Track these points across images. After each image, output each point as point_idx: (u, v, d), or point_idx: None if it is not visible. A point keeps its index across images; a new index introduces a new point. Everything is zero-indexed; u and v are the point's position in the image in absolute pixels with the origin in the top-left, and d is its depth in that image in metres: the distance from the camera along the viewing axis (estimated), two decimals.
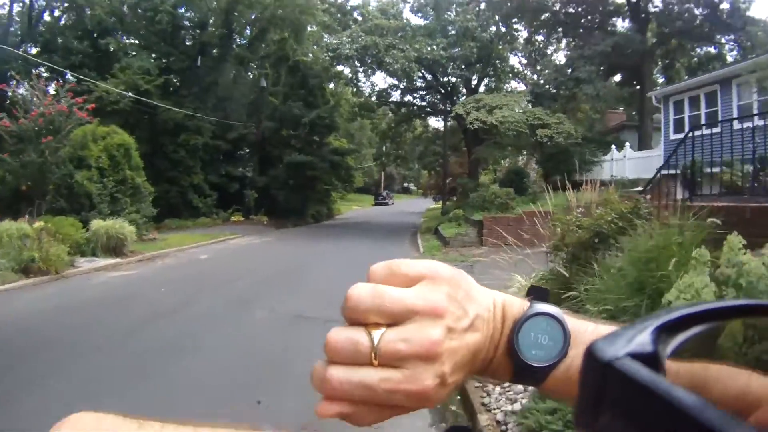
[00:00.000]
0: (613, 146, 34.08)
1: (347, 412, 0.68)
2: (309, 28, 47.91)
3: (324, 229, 41.52)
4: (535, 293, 0.83)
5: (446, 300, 0.70)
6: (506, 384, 6.76)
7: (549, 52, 47.05)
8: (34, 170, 24.32)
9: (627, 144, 33.21)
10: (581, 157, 33.02)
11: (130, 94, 34.73)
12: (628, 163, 31.87)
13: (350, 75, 48.73)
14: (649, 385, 0.41)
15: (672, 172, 26.63)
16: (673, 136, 27.79)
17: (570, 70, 36.37)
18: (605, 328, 0.78)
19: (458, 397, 7.14)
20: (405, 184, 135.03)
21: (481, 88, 45.78)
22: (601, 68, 36.51)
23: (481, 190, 33.19)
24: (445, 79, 46.66)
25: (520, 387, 6.67)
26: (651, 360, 0.45)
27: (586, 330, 0.78)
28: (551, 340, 0.76)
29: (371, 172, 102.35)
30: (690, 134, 14.07)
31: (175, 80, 41.90)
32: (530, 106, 36.46)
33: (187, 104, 39.03)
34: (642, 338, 0.48)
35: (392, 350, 0.66)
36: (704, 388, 0.59)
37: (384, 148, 65.65)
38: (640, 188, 28.27)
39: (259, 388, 7.59)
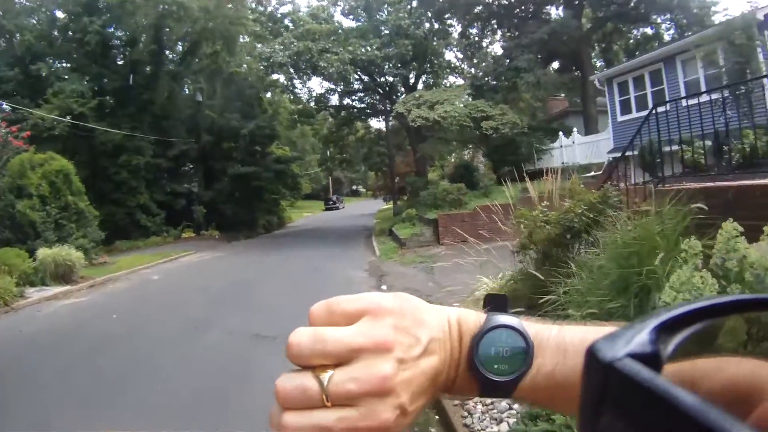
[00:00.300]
0: (560, 133, 34.02)
1: None
2: (241, 39, 46.94)
3: (276, 239, 41.22)
4: (492, 303, 0.82)
5: (392, 332, 0.69)
6: (488, 401, 6.61)
7: (485, 44, 47.04)
8: None
9: (575, 129, 33.24)
10: (529, 147, 33.02)
11: (66, 119, 34.09)
12: (578, 148, 31.88)
13: (285, 82, 48.66)
14: (649, 385, 0.41)
15: (621, 154, 26.88)
16: (621, 118, 28.02)
17: (508, 61, 36.36)
18: (569, 330, 0.78)
19: (437, 418, 6.95)
20: (354, 187, 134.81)
21: (420, 86, 45.86)
22: (539, 56, 36.65)
23: (432, 187, 32.93)
24: (383, 79, 46.59)
25: (504, 404, 6.56)
26: (651, 360, 0.45)
27: (549, 336, 0.77)
28: (513, 352, 0.75)
29: (318, 177, 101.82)
30: (654, 111, 13.88)
31: (110, 101, 40.73)
32: (471, 99, 36.28)
33: (124, 124, 38.38)
34: (642, 338, 0.48)
35: (343, 391, 0.65)
36: (692, 385, 0.55)
37: (328, 153, 65.50)
38: (592, 173, 28.36)
39: (219, 416, 7.43)
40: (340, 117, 53.19)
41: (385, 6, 43.96)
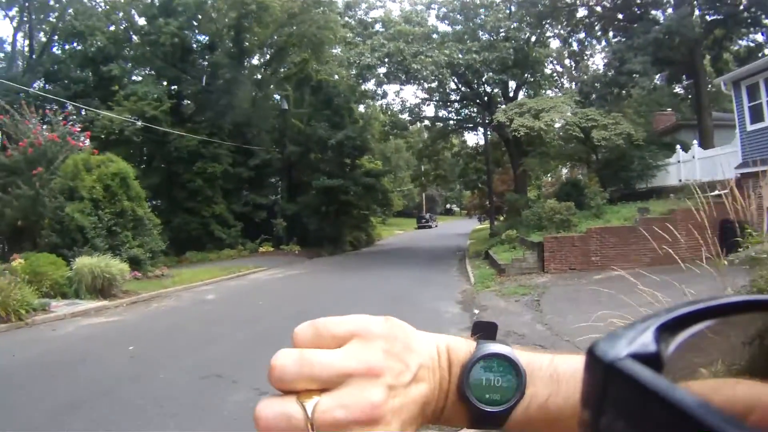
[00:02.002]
0: (678, 146, 30.12)
1: None
2: (333, 50, 44.56)
3: (361, 257, 38.82)
4: (481, 330, 0.80)
5: (382, 356, 0.66)
6: None
7: (588, 53, 43.64)
8: (27, 204, 22.45)
9: (695, 142, 29.13)
10: (643, 162, 29.24)
11: (137, 121, 32.11)
12: (699, 163, 27.85)
13: (375, 88, 45.69)
14: (651, 386, 0.41)
15: (753, 170, 23.08)
16: (750, 127, 23.96)
17: (619, 64, 32.62)
18: (561, 360, 0.75)
19: None
20: (447, 206, 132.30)
21: (520, 96, 42.06)
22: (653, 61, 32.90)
23: (535, 206, 29.26)
24: (481, 88, 43.65)
25: None
26: (652, 360, 0.46)
27: (541, 366, 0.75)
28: (505, 382, 0.73)
29: (412, 195, 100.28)
30: None
31: (186, 105, 39.67)
32: (579, 108, 32.42)
33: (201, 131, 36.74)
34: (643, 338, 0.48)
35: (330, 419, 0.62)
36: None
37: (422, 168, 62.74)
38: (716, 191, 24.71)
39: None
40: (436, 129, 50.66)
41: (482, 10, 40.56)
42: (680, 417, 0.37)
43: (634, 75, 31.64)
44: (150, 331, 14.67)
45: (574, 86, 41.37)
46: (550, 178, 57.25)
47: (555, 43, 43.69)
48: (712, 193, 22.40)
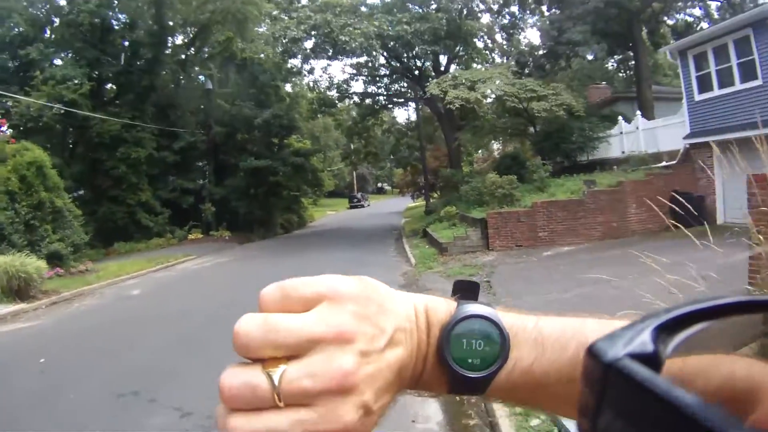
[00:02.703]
0: (620, 118, 29.33)
1: None
2: (258, 28, 43.36)
3: (294, 240, 37.81)
4: (461, 290, 0.78)
5: (354, 320, 0.63)
6: None
7: (522, 25, 42.73)
8: None
9: (638, 113, 28.39)
10: (584, 134, 28.39)
11: (54, 106, 30.16)
12: (643, 134, 27.13)
13: (301, 64, 43.70)
14: (649, 385, 0.41)
15: (701, 140, 22.41)
16: (699, 97, 23.18)
17: (557, 34, 31.71)
18: (546, 322, 0.73)
19: None
20: (379, 184, 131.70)
21: (452, 70, 40.72)
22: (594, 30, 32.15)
23: (474, 180, 28.26)
24: (412, 62, 42.39)
25: None
26: (651, 360, 0.46)
27: (525, 328, 0.73)
28: (487, 345, 0.71)
29: (342, 174, 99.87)
30: None
31: (108, 89, 38.17)
32: (515, 79, 31.31)
33: (124, 114, 35.04)
34: (642, 338, 0.48)
35: (298, 389, 0.59)
36: (687, 384, 0.50)
37: (352, 147, 61.52)
38: (663, 163, 24.12)
39: None
40: (365, 106, 49.11)
41: None
42: (679, 416, 0.38)
43: (575, 45, 30.86)
44: (66, 336, 13.22)
45: (505, 60, 40.25)
46: (481, 154, 56.63)
47: (486, 18, 42.50)
48: (660, 164, 21.97)
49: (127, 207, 34.69)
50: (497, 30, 42.94)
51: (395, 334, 0.65)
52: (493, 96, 30.05)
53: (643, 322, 0.49)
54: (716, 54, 22.71)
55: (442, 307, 0.72)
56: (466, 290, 0.77)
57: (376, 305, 0.65)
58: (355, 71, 45.24)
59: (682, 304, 0.51)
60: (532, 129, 32.22)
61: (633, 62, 37.14)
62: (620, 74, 48.56)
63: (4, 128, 25.77)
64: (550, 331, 0.71)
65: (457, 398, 7.30)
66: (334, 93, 47.37)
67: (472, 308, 0.70)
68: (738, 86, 21.49)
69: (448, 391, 0.71)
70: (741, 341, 0.60)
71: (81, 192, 34.31)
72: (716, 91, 22.46)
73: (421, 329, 0.69)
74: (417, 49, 38.37)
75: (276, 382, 0.57)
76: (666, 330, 0.49)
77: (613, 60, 43.29)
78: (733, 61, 22.03)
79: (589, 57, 34.12)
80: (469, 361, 0.68)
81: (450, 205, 29.18)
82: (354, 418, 0.59)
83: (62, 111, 30.92)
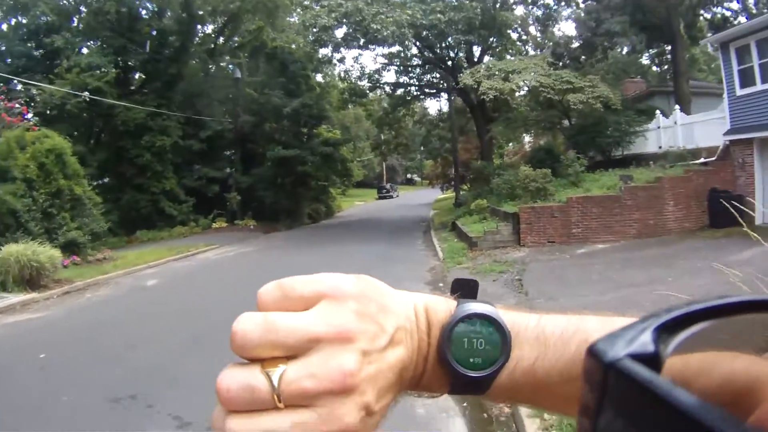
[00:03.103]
0: (658, 112, 28.38)
1: None
2: (289, 18, 43.12)
3: (321, 231, 37.32)
4: (462, 288, 0.77)
5: (354, 319, 0.62)
6: None
7: (556, 16, 41.76)
8: None
9: (677, 107, 27.39)
10: (620, 128, 27.44)
11: (80, 94, 30.01)
12: (681, 129, 26.18)
13: (332, 53, 42.84)
14: (650, 386, 0.41)
15: (742, 137, 21.52)
16: (740, 91, 22.18)
17: (595, 25, 30.80)
18: (548, 320, 0.72)
19: None
20: (408, 175, 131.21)
21: (485, 61, 39.83)
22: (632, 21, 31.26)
23: (507, 173, 27.36)
24: (445, 52, 41.44)
25: None
26: (652, 360, 0.46)
27: (527, 327, 0.72)
28: (488, 344, 0.69)
29: (372, 165, 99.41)
30: None
31: (133, 77, 38.11)
32: (552, 70, 30.39)
33: (149, 102, 34.62)
34: (643, 338, 0.48)
35: (298, 390, 0.58)
36: (688, 383, 0.53)
37: (382, 137, 60.88)
38: (702, 159, 23.47)
39: None
40: (397, 96, 48.25)
41: None
42: (679, 417, 0.38)
43: (613, 36, 29.98)
44: (72, 330, 12.60)
45: (540, 53, 39.34)
46: (512, 147, 55.87)
47: (520, 10, 41.59)
48: (698, 161, 21.12)
49: (151, 195, 34.40)
50: (531, 22, 42.07)
51: (396, 333, 0.64)
52: (528, 87, 29.12)
53: (643, 322, 0.49)
54: (760, 47, 21.77)
55: (442, 306, 0.70)
56: (465, 289, 0.76)
57: (377, 304, 0.64)
58: (386, 61, 44.52)
59: (682, 303, 0.51)
60: (566, 122, 31.38)
61: (669, 56, 36.32)
62: (654, 69, 47.77)
63: (28, 116, 25.36)
64: (551, 329, 0.70)
65: (485, 415, 7.23)
66: (365, 83, 46.66)
67: (473, 307, 0.69)
68: None
69: (449, 391, 0.70)
70: (752, 342, 0.59)
71: (105, 180, 34.41)
72: (759, 86, 21.43)
73: (421, 329, 0.68)
74: (450, 39, 37.56)
75: (275, 383, 0.56)
76: (667, 330, 0.49)
77: (648, 54, 42.41)
78: None
79: (626, 50, 33.21)
80: (471, 360, 0.67)
81: (481, 198, 28.42)
82: (355, 419, 0.59)
83: (86, 99, 30.48)
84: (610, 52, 33.74)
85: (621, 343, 0.46)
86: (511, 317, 0.70)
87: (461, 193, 41.78)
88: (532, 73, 27.65)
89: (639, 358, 0.45)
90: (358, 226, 38.80)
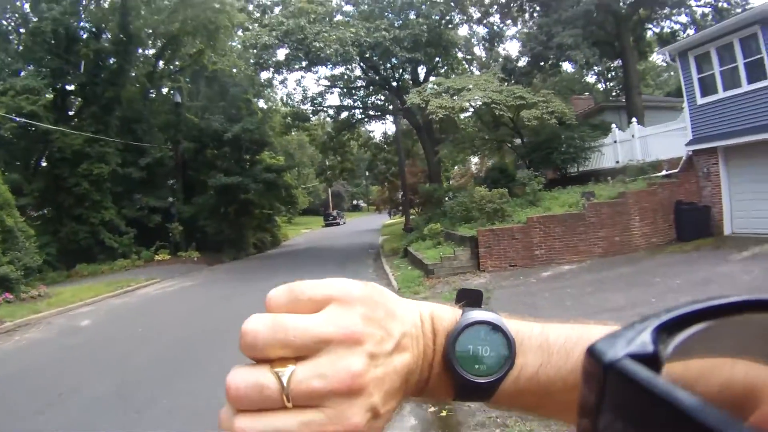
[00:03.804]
0: (614, 126, 27.72)
1: None
2: (230, 42, 42.24)
3: (266, 261, 36.13)
4: (465, 298, 0.78)
5: (362, 322, 0.64)
6: None
7: (503, 37, 41.54)
8: None
9: (634, 120, 26.61)
10: (574, 144, 26.65)
11: (12, 117, 28.85)
12: (640, 143, 25.46)
13: (273, 75, 42.23)
14: (649, 386, 0.42)
15: (705, 146, 20.94)
16: (701, 100, 21.63)
17: (546, 39, 30.21)
18: (551, 329, 0.74)
19: None
20: (354, 202, 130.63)
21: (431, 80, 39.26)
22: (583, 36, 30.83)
23: (461, 195, 26.41)
24: (389, 72, 40.79)
25: None
26: (651, 361, 0.46)
27: (531, 334, 0.74)
28: (493, 351, 0.72)
29: (317, 191, 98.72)
30: None
31: (71, 101, 36.64)
32: (503, 86, 29.57)
33: (87, 128, 33.26)
34: (642, 339, 0.48)
35: (306, 390, 0.59)
36: (686, 389, 0.50)
37: (327, 163, 60.13)
38: (663, 172, 22.65)
39: None
40: (341, 120, 47.52)
41: None
42: (679, 417, 0.38)
43: (566, 50, 29.39)
44: None
45: (484, 72, 38.79)
46: (458, 169, 55.35)
47: (465, 30, 41.33)
48: (660, 173, 20.38)
49: (91, 226, 32.97)
50: (475, 42, 42.01)
51: (402, 339, 0.65)
52: (478, 104, 28.21)
53: (643, 323, 0.50)
54: (720, 54, 21.29)
55: (448, 314, 0.72)
56: (469, 299, 0.77)
57: (384, 310, 0.65)
58: (330, 83, 43.87)
59: (682, 304, 0.52)
60: (517, 140, 30.48)
61: (621, 70, 36.15)
62: (600, 86, 47.90)
63: None
64: (555, 337, 0.72)
65: None
66: (308, 107, 45.96)
67: (478, 315, 0.71)
68: (745, 87, 20.01)
69: (453, 397, 0.72)
70: (751, 342, 0.59)
71: (44, 211, 33.58)
72: (721, 94, 20.95)
73: (427, 336, 0.70)
74: (395, 58, 36.95)
75: (285, 383, 0.58)
76: (666, 330, 0.49)
77: (594, 71, 42.36)
78: (740, 61, 20.59)
79: (576, 65, 32.93)
80: (476, 366, 0.69)
81: (433, 221, 27.14)
82: (362, 420, 0.60)
83: (18, 123, 29.66)
84: (561, 66, 33.21)
85: (620, 344, 0.47)
86: (515, 325, 0.72)
87: (411, 217, 40.84)
88: (484, 90, 26.68)
89: (638, 358, 0.45)
90: (305, 255, 37.68)
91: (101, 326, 17.00)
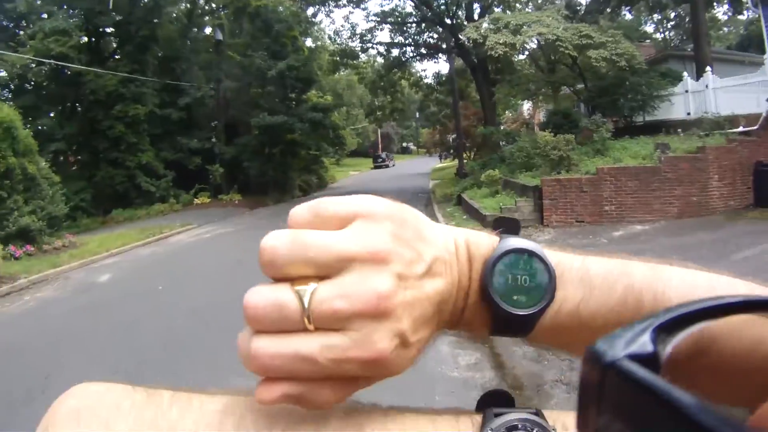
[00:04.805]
0: (686, 74, 25.41)
1: (294, 394, 0.57)
2: None
3: None
4: (502, 226, 0.75)
5: (391, 240, 0.60)
6: None
7: None
8: None
9: (708, 69, 24.29)
10: (641, 90, 24.41)
11: (41, 60, 28.34)
12: (713, 94, 23.19)
13: (318, 9, 40.55)
14: (649, 386, 0.41)
15: None
16: None
17: None
18: (593, 262, 0.71)
19: None
20: (404, 144, 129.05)
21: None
22: None
23: (522, 139, 24.42)
24: (443, 8, 38.56)
25: None
26: (651, 361, 0.45)
27: (572, 266, 0.70)
28: (533, 281, 0.67)
29: (366, 133, 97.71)
30: None
31: (106, 42, 35.49)
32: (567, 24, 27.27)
33: (122, 68, 32.01)
34: (642, 339, 0.47)
35: (329, 310, 0.56)
36: (711, 346, 0.61)
37: (376, 103, 58.34)
38: (740, 128, 20.72)
39: None
40: (391, 58, 45.37)
41: None
42: (679, 417, 0.38)
43: None
44: None
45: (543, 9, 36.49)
46: (509, 114, 53.23)
47: None
48: (737, 130, 18.08)
49: (127, 170, 32.08)
50: None
51: (434, 264, 0.61)
52: (542, 41, 26.04)
53: (642, 323, 0.48)
54: None
55: (485, 240, 0.68)
56: (507, 227, 0.72)
57: (414, 230, 0.61)
58: (379, 19, 41.94)
59: (682, 303, 0.51)
60: (579, 85, 28.26)
61: (680, 20, 33.75)
62: (657, 35, 45.74)
63: None
64: (596, 270, 0.68)
65: None
66: (356, 44, 44.05)
67: (517, 242, 0.67)
68: None
69: (490, 332, 0.68)
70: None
71: (79, 156, 32.95)
72: None
73: (461, 262, 0.65)
74: None
75: (306, 302, 0.55)
76: (666, 330, 0.49)
77: (651, 20, 39.99)
78: None
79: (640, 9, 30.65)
80: (514, 297, 0.65)
81: (490, 167, 25.12)
82: (389, 346, 0.57)
83: (53, 65, 28.71)
84: (621, 10, 30.96)
85: (620, 344, 0.46)
86: (555, 256, 0.68)
87: (464, 162, 38.95)
88: (548, 26, 24.44)
89: (638, 358, 0.44)
90: None
91: (119, 283, 15.41)
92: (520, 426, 0.58)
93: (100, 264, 18.10)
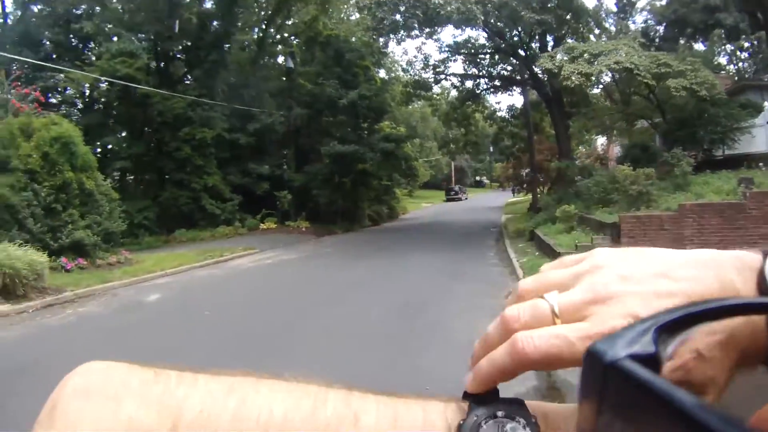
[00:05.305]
0: (766, 105, 24.44)
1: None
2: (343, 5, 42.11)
3: (380, 235, 34.33)
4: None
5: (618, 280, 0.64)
6: None
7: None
8: None
9: None
10: (721, 122, 23.45)
11: (106, 79, 28.91)
12: None
13: (388, 34, 39.40)
14: (649, 386, 0.42)
15: None
16: None
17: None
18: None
19: None
20: (477, 178, 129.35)
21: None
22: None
23: (598, 174, 23.78)
24: (516, 40, 37.91)
25: None
26: (651, 361, 0.47)
27: None
28: None
29: (440, 165, 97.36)
30: None
31: (175, 64, 35.97)
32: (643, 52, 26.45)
33: (190, 92, 32.53)
34: (643, 339, 0.48)
35: (568, 302, 0.62)
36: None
37: (450, 135, 57.71)
38: None
39: None
40: (465, 90, 44.82)
41: None
42: (679, 417, 0.39)
43: (713, 11, 26.27)
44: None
45: (619, 38, 35.72)
46: (583, 149, 52.31)
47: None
48: None
49: (192, 192, 32.11)
50: (603, 16, 38.73)
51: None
52: (614, 74, 25.31)
53: (643, 323, 0.50)
54: None
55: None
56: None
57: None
58: (452, 50, 41.38)
59: (683, 305, 0.52)
60: (661, 116, 27.31)
61: (759, 47, 32.57)
62: (731, 67, 44.59)
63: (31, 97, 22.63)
64: None
65: None
66: (429, 75, 43.46)
67: None
68: None
69: None
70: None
71: (146, 176, 33.35)
72: None
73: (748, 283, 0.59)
74: (523, 22, 33.90)
75: (552, 302, 0.61)
76: (667, 331, 0.49)
77: (725, 51, 38.91)
78: None
79: (726, 27, 29.65)
80: None
81: (565, 202, 24.42)
82: (619, 325, 0.56)
83: (116, 87, 29.07)
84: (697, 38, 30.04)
85: (621, 344, 0.47)
86: None
87: (540, 196, 38.11)
88: (624, 54, 23.65)
89: (638, 358, 0.45)
90: (422, 230, 35.93)
91: (167, 303, 15.13)
92: (504, 413, 0.61)
93: (152, 283, 17.89)
